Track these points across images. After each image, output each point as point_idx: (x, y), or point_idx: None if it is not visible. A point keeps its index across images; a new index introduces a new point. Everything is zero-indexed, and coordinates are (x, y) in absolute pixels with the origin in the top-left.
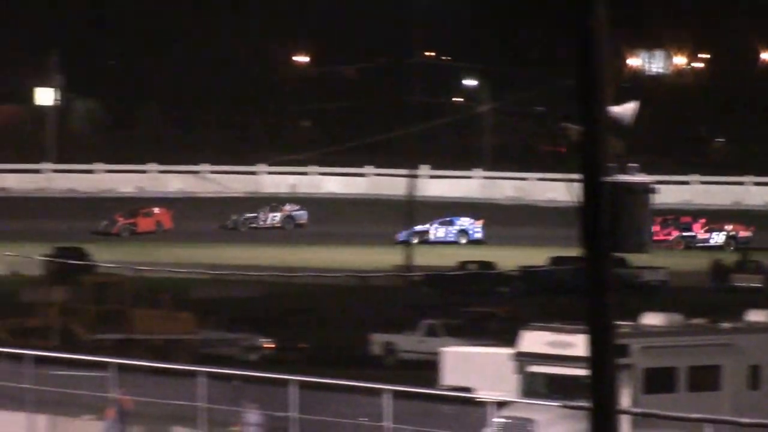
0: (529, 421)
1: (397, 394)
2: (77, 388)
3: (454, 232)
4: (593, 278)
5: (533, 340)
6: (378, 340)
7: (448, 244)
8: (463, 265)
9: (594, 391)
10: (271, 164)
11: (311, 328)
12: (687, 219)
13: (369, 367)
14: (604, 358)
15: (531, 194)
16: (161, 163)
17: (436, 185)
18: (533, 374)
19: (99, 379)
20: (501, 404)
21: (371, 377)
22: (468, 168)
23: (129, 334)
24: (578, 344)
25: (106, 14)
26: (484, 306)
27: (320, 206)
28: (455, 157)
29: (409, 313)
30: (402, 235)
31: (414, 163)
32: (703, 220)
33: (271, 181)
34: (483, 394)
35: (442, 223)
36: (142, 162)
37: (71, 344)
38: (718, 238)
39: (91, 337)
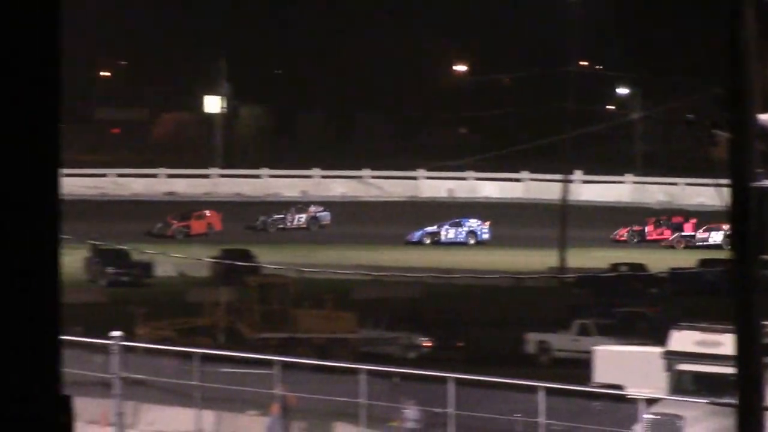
0: (678, 417)
1: (551, 391)
2: (243, 384)
3: (464, 233)
4: (741, 279)
5: (682, 340)
6: (532, 339)
7: (457, 244)
8: (615, 266)
9: (741, 389)
10: (429, 169)
11: (468, 328)
12: (678, 219)
13: (524, 365)
14: (751, 356)
15: (680, 199)
16: (324, 168)
17: (588, 190)
18: (682, 372)
19: (264, 377)
20: (651, 401)
21: (526, 375)
22: (620, 173)
23: (292, 333)
24: (726, 343)
25: (272, 24)
26: (635, 306)
27: (478, 209)
28: (607, 162)
29: (562, 313)
30: (414, 236)
31: (568, 168)
32: (693, 221)
33: (429, 185)
34: (633, 392)
35: (452, 225)
36: (306, 167)
37: (237, 343)
38: (716, 237)
39: (255, 336)
